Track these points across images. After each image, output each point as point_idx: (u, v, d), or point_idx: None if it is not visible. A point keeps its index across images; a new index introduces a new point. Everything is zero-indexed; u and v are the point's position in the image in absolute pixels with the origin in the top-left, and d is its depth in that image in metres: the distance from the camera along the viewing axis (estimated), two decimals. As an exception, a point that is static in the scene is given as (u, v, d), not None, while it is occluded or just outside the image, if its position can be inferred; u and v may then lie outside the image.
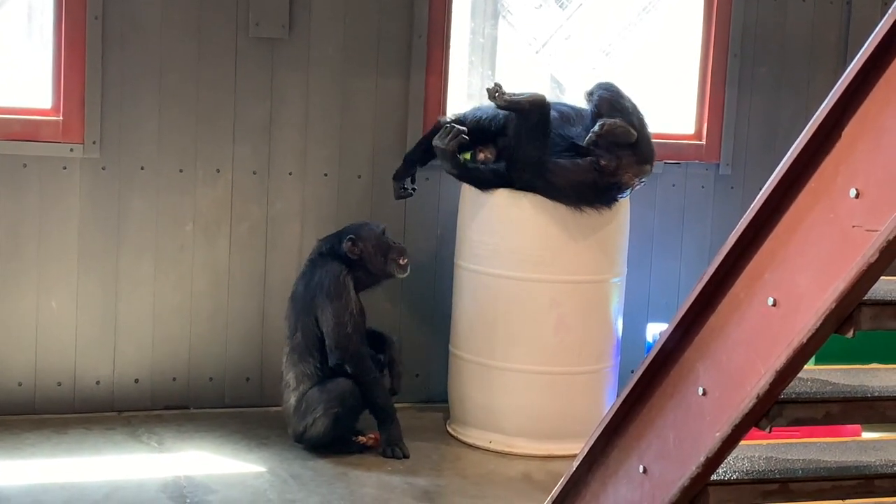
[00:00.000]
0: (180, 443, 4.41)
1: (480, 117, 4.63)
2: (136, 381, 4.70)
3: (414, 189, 4.71)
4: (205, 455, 4.31)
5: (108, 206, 4.60)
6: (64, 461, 4.18)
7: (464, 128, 4.51)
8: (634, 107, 4.53)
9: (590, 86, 4.63)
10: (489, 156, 4.58)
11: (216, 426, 4.60)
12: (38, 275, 4.55)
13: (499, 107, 4.47)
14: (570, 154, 4.44)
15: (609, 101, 4.49)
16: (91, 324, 4.62)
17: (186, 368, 4.75)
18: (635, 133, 4.42)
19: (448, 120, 4.68)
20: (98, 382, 4.65)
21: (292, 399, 4.35)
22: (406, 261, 4.46)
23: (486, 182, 4.53)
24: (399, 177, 4.71)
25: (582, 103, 4.65)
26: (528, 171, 4.43)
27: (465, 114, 4.69)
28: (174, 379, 4.74)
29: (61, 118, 4.53)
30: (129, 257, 4.64)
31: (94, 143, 4.54)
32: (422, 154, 4.71)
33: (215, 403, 4.79)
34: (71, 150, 4.53)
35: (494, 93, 4.43)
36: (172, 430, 4.53)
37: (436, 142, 4.53)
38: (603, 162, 4.39)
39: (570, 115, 4.57)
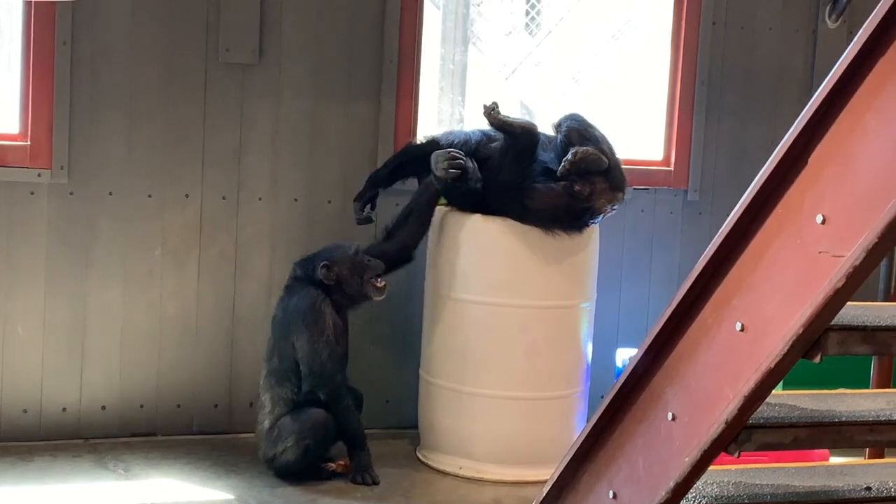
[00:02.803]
0: (148, 470, 4.37)
1: (453, 141, 4.64)
2: (104, 407, 4.66)
3: (374, 218, 4.66)
4: (172, 482, 4.28)
5: (76, 232, 4.57)
6: (29, 489, 4.13)
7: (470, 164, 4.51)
8: (603, 136, 4.58)
9: (557, 118, 4.66)
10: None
11: (184, 453, 4.57)
12: (4, 300, 4.51)
13: (491, 124, 4.49)
14: (545, 178, 4.47)
15: (578, 132, 4.53)
16: (58, 350, 4.58)
17: (154, 395, 4.72)
18: (607, 160, 4.45)
19: (421, 140, 4.69)
20: (64, 409, 4.61)
21: (266, 422, 4.33)
22: (383, 283, 4.44)
23: (465, 204, 4.54)
24: (361, 197, 4.64)
25: (550, 132, 4.68)
26: (503, 193, 4.45)
27: (437, 136, 4.70)
28: (142, 406, 4.71)
29: (29, 143, 4.51)
30: (96, 283, 4.61)
31: (62, 168, 4.52)
32: (388, 175, 4.68)
33: (183, 430, 4.76)
34: (39, 175, 4.51)
35: (491, 110, 4.45)
36: (140, 457, 4.49)
37: (438, 154, 4.48)
38: (577, 187, 4.42)
39: (543, 140, 4.61)
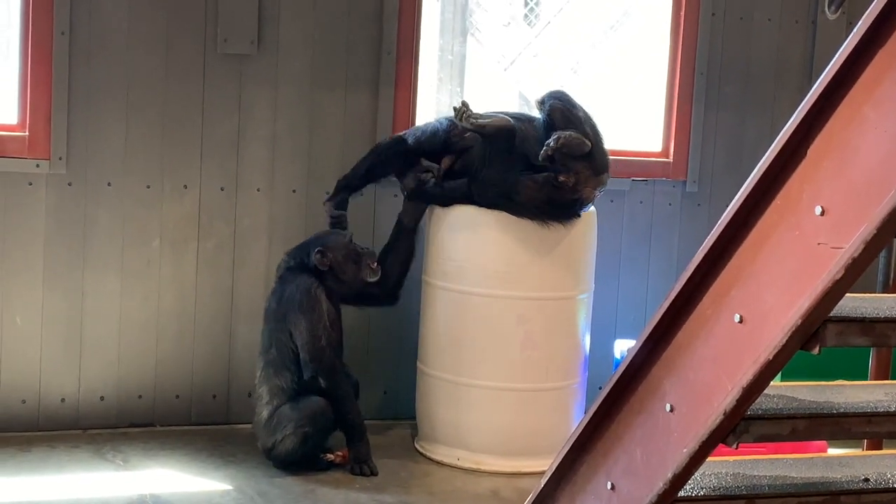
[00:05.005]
0: (146, 461, 4.37)
1: (420, 136, 4.60)
2: (102, 398, 4.66)
3: (346, 219, 4.59)
4: (171, 473, 4.28)
5: (74, 222, 4.57)
6: (28, 480, 4.13)
7: (431, 177, 4.52)
8: (587, 115, 4.49)
9: (541, 94, 4.61)
10: (448, 162, 4.58)
11: (182, 444, 4.57)
12: (2, 291, 4.51)
13: (464, 129, 4.48)
14: (529, 171, 4.43)
15: (561, 111, 4.44)
16: (56, 340, 4.58)
17: (152, 386, 4.72)
18: (590, 143, 4.40)
19: (388, 140, 4.64)
20: (63, 400, 4.61)
21: (264, 413, 4.34)
22: (377, 264, 4.47)
23: (447, 200, 4.53)
24: (332, 198, 4.59)
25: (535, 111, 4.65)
26: (489, 189, 4.44)
27: (405, 134, 4.66)
28: (140, 396, 4.71)
29: (27, 134, 4.50)
30: (94, 274, 4.60)
31: (60, 158, 4.51)
32: (359, 180, 4.62)
33: (181, 421, 4.76)
34: (37, 165, 4.50)
35: (461, 113, 4.44)
36: (138, 447, 4.50)
37: (407, 184, 4.56)
38: (562, 178, 4.37)
39: (524, 129, 4.54)
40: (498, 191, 4.42)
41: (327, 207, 4.61)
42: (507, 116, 4.57)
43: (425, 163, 4.56)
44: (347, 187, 4.63)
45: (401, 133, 4.71)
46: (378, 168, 4.63)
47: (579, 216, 4.50)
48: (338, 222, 4.59)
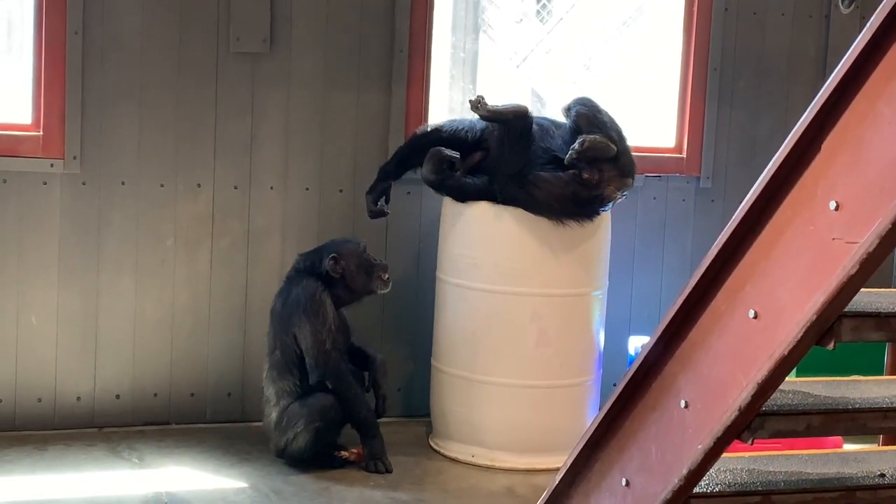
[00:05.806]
0: (161, 458, 4.39)
1: (458, 128, 4.64)
2: (117, 396, 4.67)
3: (387, 211, 4.67)
4: (186, 471, 4.29)
5: (88, 222, 4.58)
6: (44, 478, 4.15)
7: (456, 155, 4.51)
8: (612, 121, 4.54)
9: (567, 101, 4.65)
10: (478, 157, 4.59)
11: (197, 442, 4.58)
12: (17, 290, 4.52)
13: (481, 118, 4.49)
14: (552, 167, 4.45)
15: (587, 117, 4.50)
16: (71, 339, 4.60)
17: (167, 384, 4.73)
18: (615, 147, 4.43)
19: (426, 129, 4.68)
20: (78, 398, 4.63)
21: (273, 414, 4.34)
22: (388, 276, 4.47)
23: (465, 194, 4.53)
24: (373, 190, 4.65)
25: (560, 118, 4.67)
26: (510, 183, 4.44)
27: (442, 124, 4.69)
28: (155, 394, 4.72)
29: (41, 133, 4.52)
30: (109, 273, 4.62)
31: (74, 158, 4.53)
32: (396, 167, 4.68)
33: (196, 419, 4.77)
34: (51, 165, 4.52)
35: (477, 104, 4.45)
36: (153, 445, 4.51)
37: (426, 173, 4.53)
38: (586, 175, 4.40)
39: (549, 128, 4.58)
40: (518, 184, 4.42)
41: (368, 200, 4.62)
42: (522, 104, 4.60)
43: (447, 151, 4.55)
44: (386, 176, 4.66)
45: (438, 123, 4.72)
46: (414, 156, 4.65)
47: (598, 214, 4.50)
48: (378, 215, 4.61)
